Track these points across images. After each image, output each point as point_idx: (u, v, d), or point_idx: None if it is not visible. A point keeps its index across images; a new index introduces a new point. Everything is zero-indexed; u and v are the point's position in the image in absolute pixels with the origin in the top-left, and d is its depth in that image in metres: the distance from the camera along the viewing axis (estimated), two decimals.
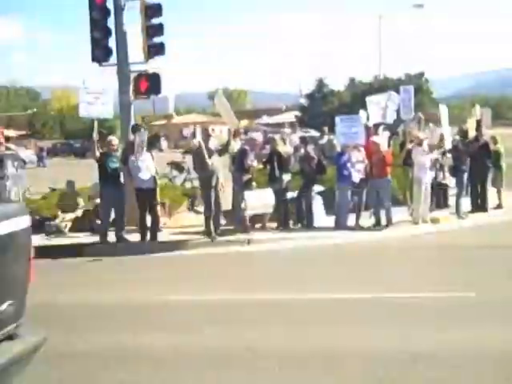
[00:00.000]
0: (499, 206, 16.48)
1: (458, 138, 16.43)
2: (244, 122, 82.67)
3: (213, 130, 13.98)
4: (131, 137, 13.64)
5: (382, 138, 15.15)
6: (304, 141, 15.13)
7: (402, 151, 15.40)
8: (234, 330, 7.25)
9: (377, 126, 15.67)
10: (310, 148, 14.53)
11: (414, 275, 9.78)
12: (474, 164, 15.62)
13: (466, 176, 15.65)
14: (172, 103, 14.68)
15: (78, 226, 14.20)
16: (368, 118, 15.53)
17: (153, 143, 14.56)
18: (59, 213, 14.38)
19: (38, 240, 13.47)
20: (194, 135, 13.51)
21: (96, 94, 13.34)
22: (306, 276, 9.99)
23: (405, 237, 13.42)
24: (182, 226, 14.49)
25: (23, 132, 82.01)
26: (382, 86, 54.22)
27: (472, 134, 16.32)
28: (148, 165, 12.93)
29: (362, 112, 16.01)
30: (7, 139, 28.53)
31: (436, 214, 15.12)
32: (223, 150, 13.73)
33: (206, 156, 12.82)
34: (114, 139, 13.40)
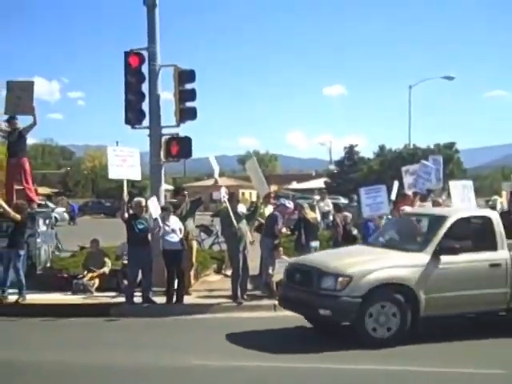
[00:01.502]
0: None
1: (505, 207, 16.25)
2: (273, 187, 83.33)
3: (243, 193, 14.06)
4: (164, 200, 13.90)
5: (419, 207, 14.99)
6: (338, 208, 15.12)
7: None
8: None
9: (415, 194, 15.58)
10: (338, 216, 14.50)
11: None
12: (507, 236, 15.36)
13: None
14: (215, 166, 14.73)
15: (104, 285, 14.24)
16: (403, 187, 15.54)
17: (198, 205, 14.63)
18: (86, 272, 14.43)
19: (65, 298, 13.57)
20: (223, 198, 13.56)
21: (123, 156, 13.61)
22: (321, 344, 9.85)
23: None
24: (209, 290, 14.45)
25: (56, 190, 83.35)
26: (411, 154, 54.43)
27: (505, 205, 16.17)
28: (175, 227, 13.03)
29: (395, 182, 16.01)
30: (48, 197, 29.10)
31: None
32: (251, 215, 13.80)
33: (234, 220, 12.89)
34: (142, 201, 13.56)
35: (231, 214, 12.94)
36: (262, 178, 13.98)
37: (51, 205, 27.85)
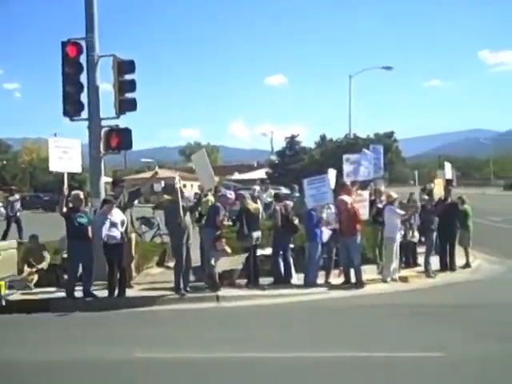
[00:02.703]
0: (467, 265, 16.67)
1: (426, 197, 16.65)
2: (215, 178, 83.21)
3: (184, 185, 13.91)
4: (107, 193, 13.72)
5: (358, 197, 15.22)
6: (278, 197, 15.16)
7: (371, 209, 15.52)
8: None
9: (353, 183, 15.82)
10: (279, 205, 14.54)
11: (383, 334, 9.77)
12: (442, 223, 15.79)
13: (435, 235, 15.81)
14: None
15: (44, 280, 13.97)
16: (341, 176, 15.76)
17: (136, 197, 14.49)
18: (25, 267, 14.13)
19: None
20: (165, 189, 13.48)
21: (64, 148, 13.36)
22: (272, 335, 9.90)
23: (374, 295, 13.41)
24: (151, 282, 14.35)
25: None
26: (351, 144, 55.15)
27: (440, 193, 16.58)
28: (117, 220, 12.87)
29: (330, 170, 16.29)
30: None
31: (405, 273, 15.22)
32: (194, 206, 13.75)
33: (181, 211, 12.81)
34: (80, 193, 13.34)
35: (180, 204, 12.82)
36: (210, 170, 13.89)
37: None
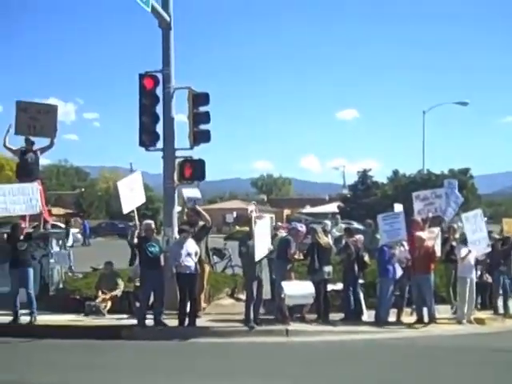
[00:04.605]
0: None
1: (497, 236, 16.17)
2: (287, 211, 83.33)
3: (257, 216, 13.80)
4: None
5: (429, 234, 14.89)
6: (349, 232, 15.01)
7: (444, 247, 15.16)
8: None
9: (424, 220, 15.50)
10: (350, 240, 14.40)
11: (452, 379, 9.41)
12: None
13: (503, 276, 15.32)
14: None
15: (116, 307, 14.22)
16: (413, 213, 15.49)
17: (206, 232, 14.55)
18: (99, 293, 14.42)
19: (77, 319, 13.55)
20: (237, 219, 13.55)
21: (130, 185, 13.62)
22: (338, 372, 9.72)
23: (446, 336, 13.03)
24: (222, 313, 14.38)
25: (70, 211, 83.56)
26: (424, 179, 54.28)
27: (510, 232, 16.15)
28: (191, 251, 13.01)
29: (396, 205, 16.07)
30: (67, 222, 29.25)
31: (481, 315, 14.71)
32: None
33: (256, 244, 12.83)
34: (152, 223, 13.55)
35: (253, 234, 12.81)
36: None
37: (62, 226, 28.02)
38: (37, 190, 14.04)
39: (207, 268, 14.41)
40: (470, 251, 14.28)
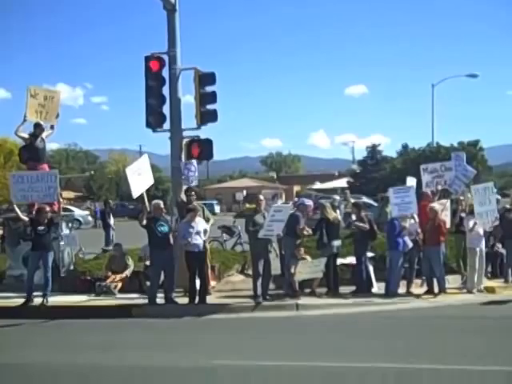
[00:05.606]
0: None
1: (508, 206, 16.11)
2: (296, 188, 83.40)
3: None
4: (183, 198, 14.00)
5: (439, 206, 14.87)
6: (357, 207, 15.01)
7: (454, 218, 15.14)
8: None
9: (434, 193, 15.47)
10: (363, 214, 14.45)
11: (464, 347, 9.41)
12: None
13: None
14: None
15: (127, 287, 14.34)
16: (421, 186, 15.48)
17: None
18: (110, 273, 14.54)
19: (88, 300, 13.68)
20: (246, 198, 13.65)
21: (138, 170, 13.54)
22: (349, 345, 9.77)
23: (456, 306, 13.04)
24: (232, 290, 14.47)
25: (80, 194, 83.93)
26: (434, 153, 54.07)
27: None
28: (200, 229, 13.06)
29: (410, 178, 16.05)
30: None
31: (492, 283, 14.73)
32: None
33: (262, 220, 12.90)
34: (161, 203, 13.57)
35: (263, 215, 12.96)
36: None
37: (73, 208, 28.27)
38: (56, 177, 14.02)
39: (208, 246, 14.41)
40: (475, 223, 14.27)
